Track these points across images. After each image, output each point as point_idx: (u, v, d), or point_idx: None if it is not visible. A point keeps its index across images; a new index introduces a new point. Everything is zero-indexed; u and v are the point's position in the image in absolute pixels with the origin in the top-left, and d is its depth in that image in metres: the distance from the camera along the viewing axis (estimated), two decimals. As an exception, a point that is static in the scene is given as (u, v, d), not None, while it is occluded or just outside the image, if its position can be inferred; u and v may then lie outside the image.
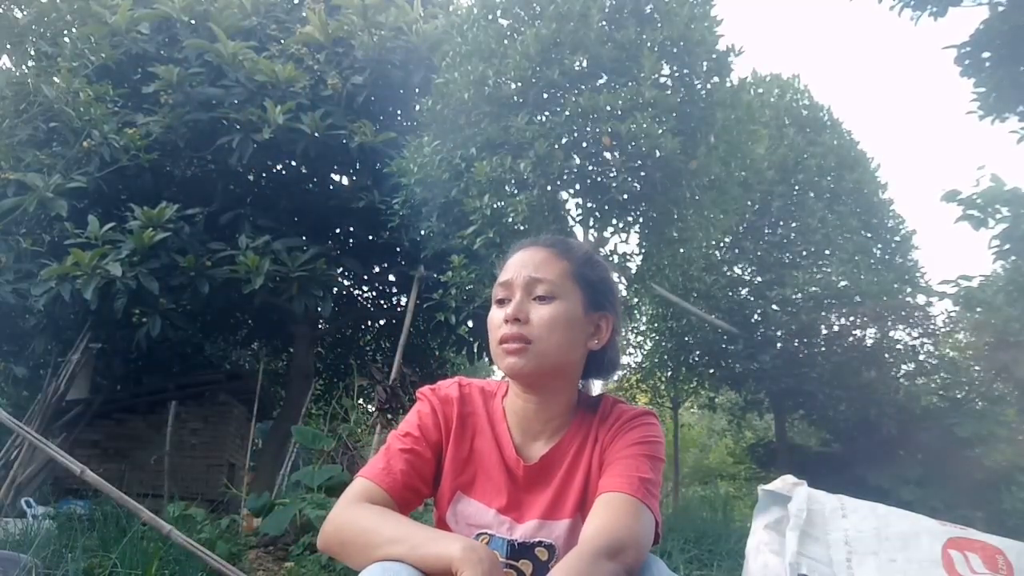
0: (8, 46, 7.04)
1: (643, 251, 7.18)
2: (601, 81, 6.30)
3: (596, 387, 1.58)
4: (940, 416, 9.63)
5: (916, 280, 10.72)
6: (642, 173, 6.33)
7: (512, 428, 1.42)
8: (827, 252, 10.31)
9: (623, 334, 1.49)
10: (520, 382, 1.38)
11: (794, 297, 10.03)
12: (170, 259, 6.66)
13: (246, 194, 8.23)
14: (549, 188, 6.40)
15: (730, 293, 10.85)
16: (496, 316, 1.41)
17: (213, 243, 7.12)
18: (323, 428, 6.10)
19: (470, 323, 7.13)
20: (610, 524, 1.19)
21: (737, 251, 10.97)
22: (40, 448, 3.75)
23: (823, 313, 9.97)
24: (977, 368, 10.18)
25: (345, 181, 8.47)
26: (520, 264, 1.42)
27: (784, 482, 1.43)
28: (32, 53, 7.47)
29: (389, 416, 5.95)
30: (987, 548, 1.22)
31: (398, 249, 8.07)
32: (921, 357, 10.62)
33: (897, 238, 11.22)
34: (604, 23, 6.08)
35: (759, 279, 10.74)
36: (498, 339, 1.38)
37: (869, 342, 10.30)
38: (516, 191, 6.22)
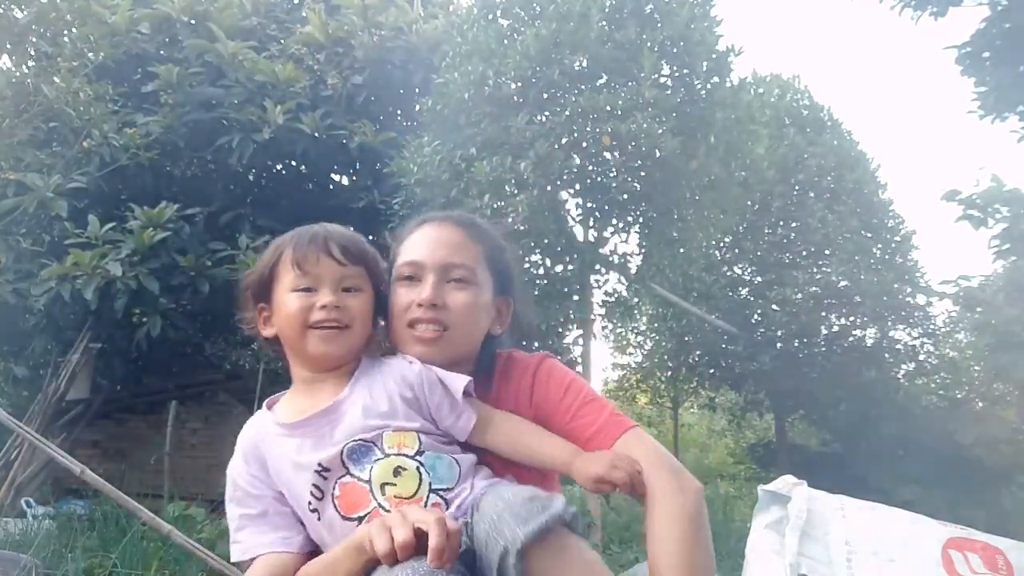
0: (8, 46, 7.03)
1: (643, 251, 7.18)
2: (601, 81, 6.30)
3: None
4: (940, 416, 9.63)
5: (916, 280, 10.70)
6: (642, 173, 6.32)
7: None
8: (827, 252, 10.30)
9: (525, 317, 1.49)
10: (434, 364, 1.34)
11: (794, 297, 10.03)
12: (170, 259, 6.66)
13: (246, 194, 8.23)
14: (549, 188, 6.39)
15: (730, 293, 10.84)
16: (405, 296, 1.36)
17: (213, 243, 7.11)
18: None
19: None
20: (652, 458, 1.25)
21: (737, 251, 10.96)
22: (40, 448, 3.75)
23: (823, 313, 9.96)
24: (977, 368, 10.18)
25: (345, 181, 8.47)
26: (434, 244, 1.38)
27: (784, 482, 1.43)
28: (32, 53, 7.46)
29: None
30: (987, 548, 1.22)
31: (398, 249, 8.05)
32: (921, 357, 10.61)
33: (897, 238, 11.20)
34: (604, 23, 6.08)
35: (759, 279, 10.73)
36: (408, 321, 1.34)
37: (869, 342, 10.30)
38: (516, 191, 6.21)
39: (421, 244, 1.39)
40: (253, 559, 1.21)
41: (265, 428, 1.28)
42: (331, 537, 1.17)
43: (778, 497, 1.40)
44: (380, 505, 1.15)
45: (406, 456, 1.20)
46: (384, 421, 1.22)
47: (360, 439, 1.20)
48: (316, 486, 1.18)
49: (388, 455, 1.20)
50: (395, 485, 1.17)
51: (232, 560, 1.23)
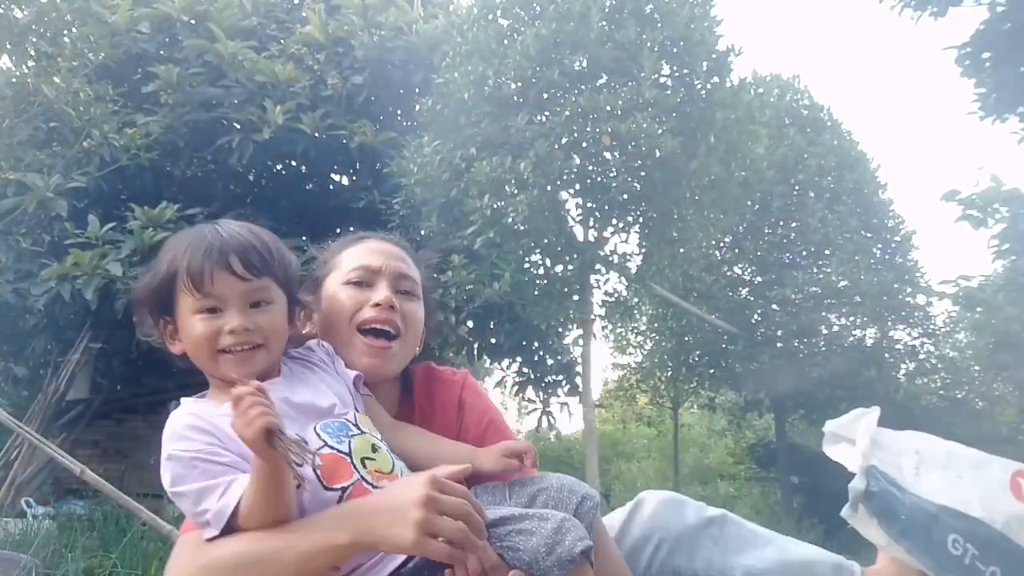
0: (8, 46, 7.03)
1: (643, 251, 7.18)
2: (601, 81, 6.30)
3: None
4: (940, 416, 9.64)
5: (916, 280, 10.71)
6: (642, 173, 6.33)
7: None
8: (827, 252, 10.30)
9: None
10: (374, 380, 1.34)
11: (794, 297, 10.03)
12: (170, 259, 6.66)
13: (246, 194, 8.23)
14: (549, 188, 6.39)
15: (730, 293, 10.84)
16: (353, 298, 1.34)
17: (213, 243, 7.12)
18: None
19: (470, 323, 7.14)
20: None
21: (737, 251, 10.96)
22: (40, 448, 3.75)
23: (823, 313, 9.97)
24: (977, 368, 10.18)
25: (345, 181, 8.47)
26: (386, 255, 1.40)
27: (852, 417, 1.44)
28: (32, 53, 7.46)
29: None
30: None
31: (398, 249, 8.06)
32: (921, 357, 10.62)
33: (897, 238, 11.20)
34: (604, 23, 6.08)
35: (759, 279, 10.73)
36: (358, 323, 1.33)
37: (869, 342, 10.31)
38: (516, 191, 6.22)
39: (372, 253, 1.40)
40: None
41: (207, 410, 1.17)
42: (310, 506, 1.12)
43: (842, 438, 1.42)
44: (363, 477, 1.14)
45: (376, 437, 1.22)
46: (338, 407, 1.22)
47: (335, 416, 1.19)
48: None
49: (363, 431, 1.20)
50: (374, 460, 1.17)
51: (208, 520, 1.06)
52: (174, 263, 1.17)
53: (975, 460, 1.30)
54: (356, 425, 1.20)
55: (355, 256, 1.40)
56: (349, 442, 1.16)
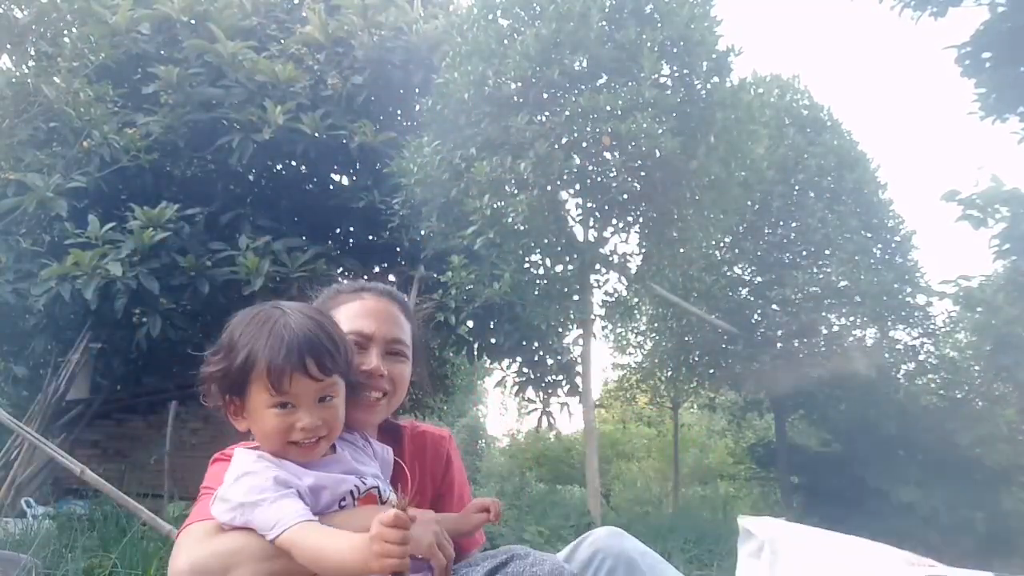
0: (8, 46, 7.03)
1: (643, 251, 7.18)
2: (601, 81, 6.30)
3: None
4: (940, 416, 9.63)
5: (916, 280, 10.69)
6: (642, 173, 6.33)
7: None
8: (827, 252, 10.29)
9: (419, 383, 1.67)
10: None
11: (794, 297, 10.02)
12: (170, 259, 6.66)
13: (246, 194, 8.23)
14: (549, 188, 6.40)
15: (730, 293, 10.83)
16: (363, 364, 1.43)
17: (213, 243, 7.11)
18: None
19: (470, 323, 7.15)
20: None
21: (737, 251, 10.94)
22: (40, 448, 3.76)
23: (823, 313, 9.95)
24: (977, 368, 10.17)
25: (345, 181, 8.48)
26: (380, 317, 1.48)
27: (760, 522, 1.52)
28: (32, 53, 7.46)
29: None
30: None
31: (398, 249, 8.07)
32: (921, 357, 10.61)
33: (897, 238, 11.19)
34: (604, 23, 6.08)
35: (759, 279, 10.72)
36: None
37: (869, 342, 10.29)
38: (516, 191, 6.22)
39: (367, 317, 1.48)
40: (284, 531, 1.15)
41: (268, 455, 1.26)
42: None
43: (755, 530, 1.49)
44: None
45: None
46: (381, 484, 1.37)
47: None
48: (357, 487, 1.28)
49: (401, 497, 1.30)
50: None
51: (265, 531, 1.14)
52: (252, 356, 1.22)
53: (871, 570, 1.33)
54: (395, 489, 1.34)
55: (350, 316, 1.47)
56: (390, 493, 1.32)
